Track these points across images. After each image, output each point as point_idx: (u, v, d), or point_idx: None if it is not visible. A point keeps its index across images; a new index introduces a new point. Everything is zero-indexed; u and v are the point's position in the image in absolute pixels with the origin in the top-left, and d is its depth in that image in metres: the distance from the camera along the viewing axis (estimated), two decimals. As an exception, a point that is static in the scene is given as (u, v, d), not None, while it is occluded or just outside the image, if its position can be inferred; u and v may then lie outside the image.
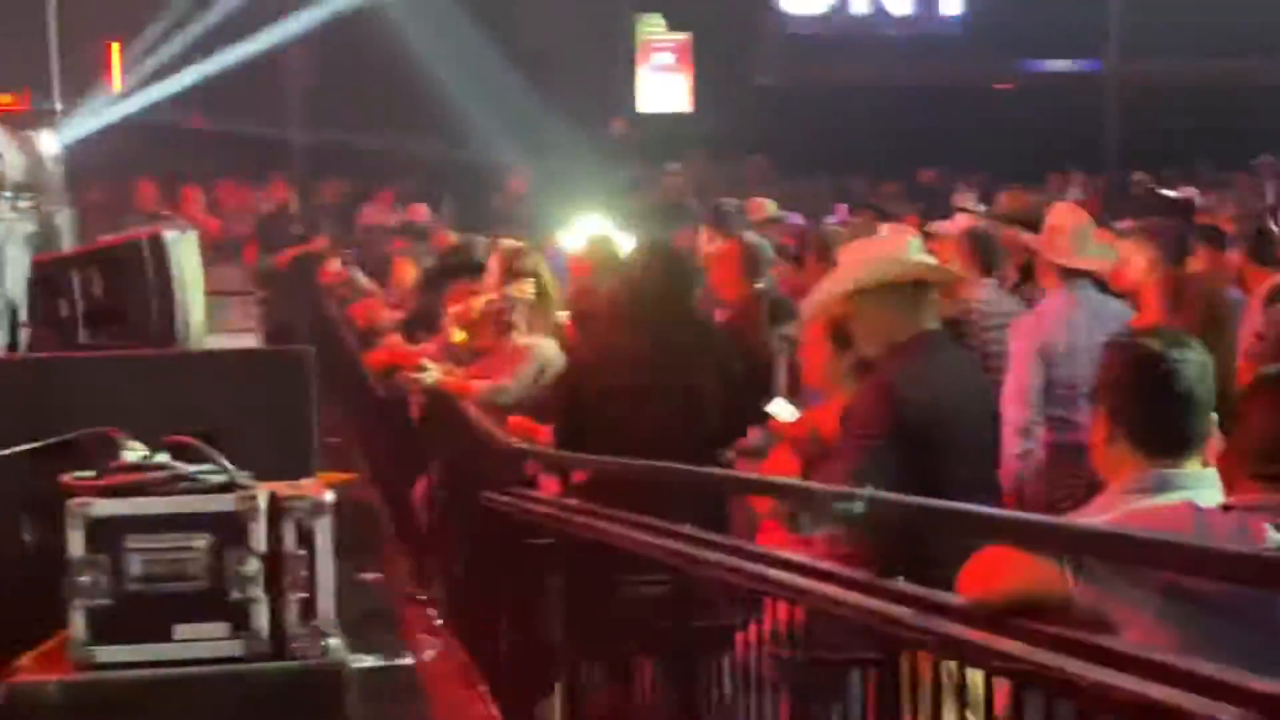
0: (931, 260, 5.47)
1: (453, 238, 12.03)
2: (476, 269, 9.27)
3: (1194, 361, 3.66)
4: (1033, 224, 8.27)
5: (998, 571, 3.39)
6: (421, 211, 16.46)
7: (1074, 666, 2.95)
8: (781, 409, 5.77)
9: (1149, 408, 3.63)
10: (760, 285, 8.03)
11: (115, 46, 19.24)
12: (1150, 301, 5.27)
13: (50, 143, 9.83)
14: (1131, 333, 3.96)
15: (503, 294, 8.42)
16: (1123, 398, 3.69)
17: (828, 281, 5.46)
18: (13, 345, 6.25)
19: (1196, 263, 7.96)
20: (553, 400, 7.05)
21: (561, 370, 7.48)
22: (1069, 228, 7.05)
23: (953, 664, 3.39)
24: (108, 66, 19.21)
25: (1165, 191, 14.60)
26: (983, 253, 7.83)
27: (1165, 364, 3.63)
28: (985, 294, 7.75)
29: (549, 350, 7.97)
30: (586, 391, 6.52)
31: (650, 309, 6.56)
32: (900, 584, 3.64)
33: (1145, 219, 8.78)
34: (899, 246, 5.38)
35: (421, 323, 10.50)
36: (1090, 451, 3.82)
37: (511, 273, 8.62)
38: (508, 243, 9.52)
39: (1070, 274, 6.91)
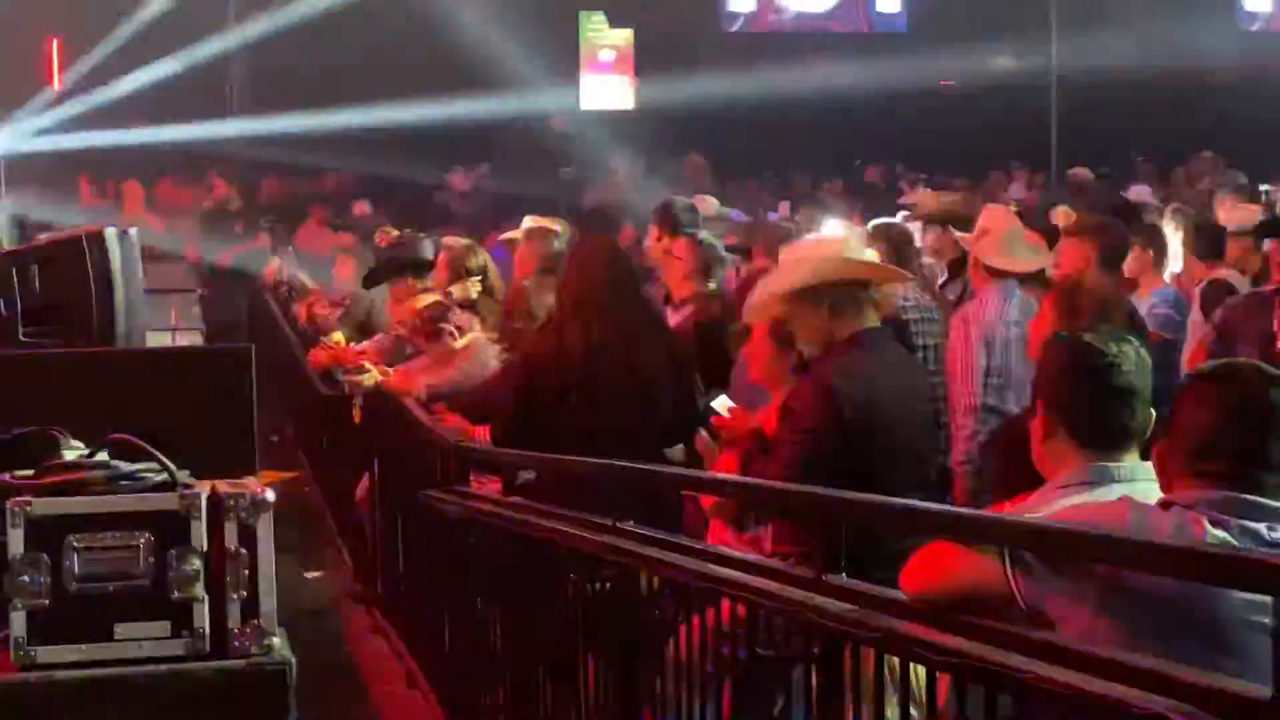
0: (871, 258, 5.50)
1: (393, 234, 11.99)
2: (421, 266, 9.24)
3: (1131, 356, 3.75)
4: (960, 221, 8.38)
5: (939, 567, 3.42)
6: (363, 209, 16.42)
7: (1015, 660, 2.98)
8: (723, 405, 5.79)
9: (1088, 401, 3.72)
10: (713, 285, 8.05)
11: (55, 43, 19.13)
12: (1045, 309, 5.42)
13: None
14: (1070, 331, 4.01)
15: (446, 293, 8.41)
16: (1062, 392, 3.77)
17: (766, 283, 5.49)
18: (-49, 344, 6.21)
19: (1132, 263, 8.07)
20: (499, 397, 7.02)
21: (508, 366, 7.47)
22: (999, 231, 7.18)
23: (895, 659, 3.41)
24: (48, 64, 19.10)
25: (1124, 194, 14.70)
26: (895, 250, 7.90)
27: (1104, 358, 3.72)
28: (904, 290, 7.82)
29: (489, 349, 7.97)
30: (538, 387, 6.49)
31: (600, 301, 6.54)
32: (842, 580, 3.66)
33: (1090, 216, 8.87)
34: (837, 246, 5.41)
35: (362, 321, 10.48)
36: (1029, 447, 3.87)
37: (458, 271, 8.61)
38: (454, 241, 9.51)
39: (999, 274, 7.05)
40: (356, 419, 8.56)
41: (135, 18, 18.34)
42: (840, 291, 5.17)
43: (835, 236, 5.88)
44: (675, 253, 8.32)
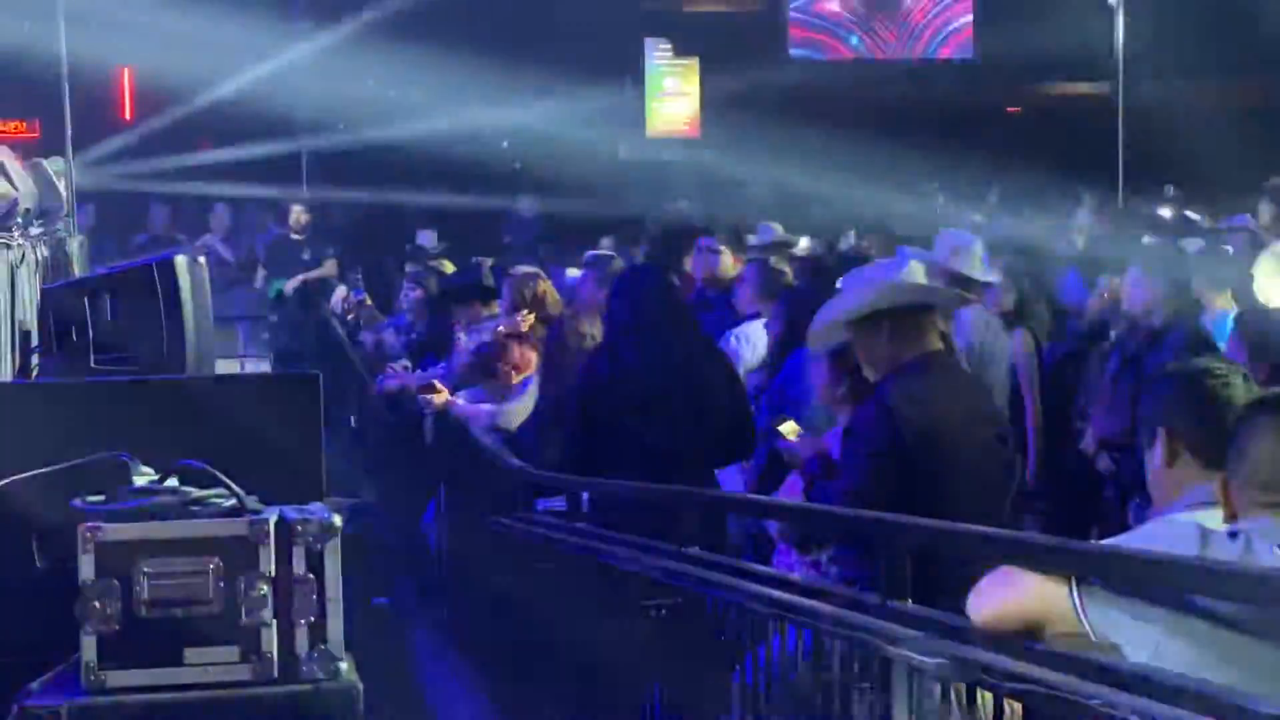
0: (933, 285, 5.48)
1: (449, 268, 12.05)
2: (487, 293, 9.30)
3: (1239, 376, 3.85)
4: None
5: (1005, 591, 3.40)
6: (430, 238, 16.49)
7: (1082, 686, 2.96)
8: (790, 428, 5.78)
9: (1213, 422, 3.74)
10: None
11: (127, 74, 19.33)
12: None
13: (62, 170, 9.89)
14: (1195, 363, 4.10)
15: (512, 321, 8.45)
16: (1188, 417, 3.80)
17: (828, 308, 5.49)
18: (25, 371, 6.29)
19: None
20: (561, 422, 7.05)
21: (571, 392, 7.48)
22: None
23: (961, 685, 3.40)
24: (120, 94, 19.29)
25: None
26: None
27: (1219, 379, 3.80)
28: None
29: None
30: (593, 412, 6.51)
31: (654, 323, 6.57)
32: (908, 605, 3.65)
33: None
34: (899, 271, 5.39)
35: (430, 346, 10.52)
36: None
37: (521, 300, 8.65)
38: (520, 269, 9.56)
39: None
40: (429, 438, 8.60)
41: (202, 44, 18.48)
42: (901, 315, 5.16)
43: (896, 261, 5.86)
44: (746, 275, 8.36)
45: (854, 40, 24.22)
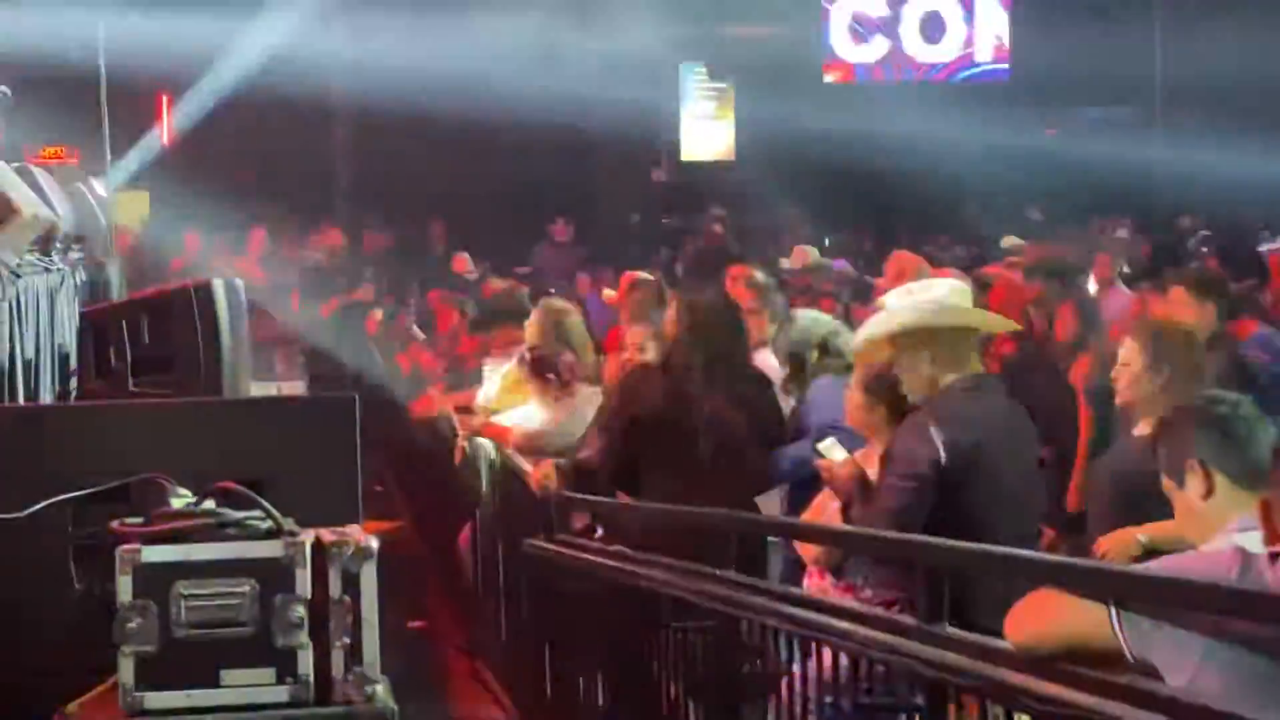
0: (976, 308, 5.46)
1: (498, 285, 12.08)
2: (522, 316, 9.32)
3: (1249, 402, 3.92)
4: (1061, 273, 8.41)
5: (1044, 615, 3.39)
6: (464, 262, 16.52)
7: (1121, 711, 2.95)
8: (832, 448, 5.77)
9: (1247, 447, 3.79)
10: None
11: (165, 99, 19.42)
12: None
13: (100, 195, 9.94)
14: (1206, 396, 4.12)
15: (540, 346, 8.46)
16: (1217, 445, 3.82)
17: (872, 325, 5.47)
18: (64, 393, 6.33)
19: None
20: (605, 447, 7.04)
21: (616, 419, 7.46)
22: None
23: (999, 708, 3.38)
24: (159, 118, 19.39)
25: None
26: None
27: (1243, 409, 3.86)
28: None
29: (586, 398, 8.01)
30: (651, 435, 6.50)
31: (719, 353, 6.60)
32: (946, 628, 3.64)
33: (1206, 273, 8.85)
34: (945, 292, 5.38)
35: (464, 369, 10.54)
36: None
37: (549, 324, 8.66)
38: (550, 301, 9.56)
39: None
40: (457, 459, 8.61)
41: (236, 70, 18.57)
42: (944, 337, 5.15)
43: (940, 282, 5.83)
44: None
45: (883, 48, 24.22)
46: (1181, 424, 3.99)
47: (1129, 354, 5.55)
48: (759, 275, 7.98)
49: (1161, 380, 5.37)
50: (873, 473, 5.23)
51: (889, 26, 24.36)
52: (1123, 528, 5.04)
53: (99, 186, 10.09)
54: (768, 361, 7.30)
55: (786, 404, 6.87)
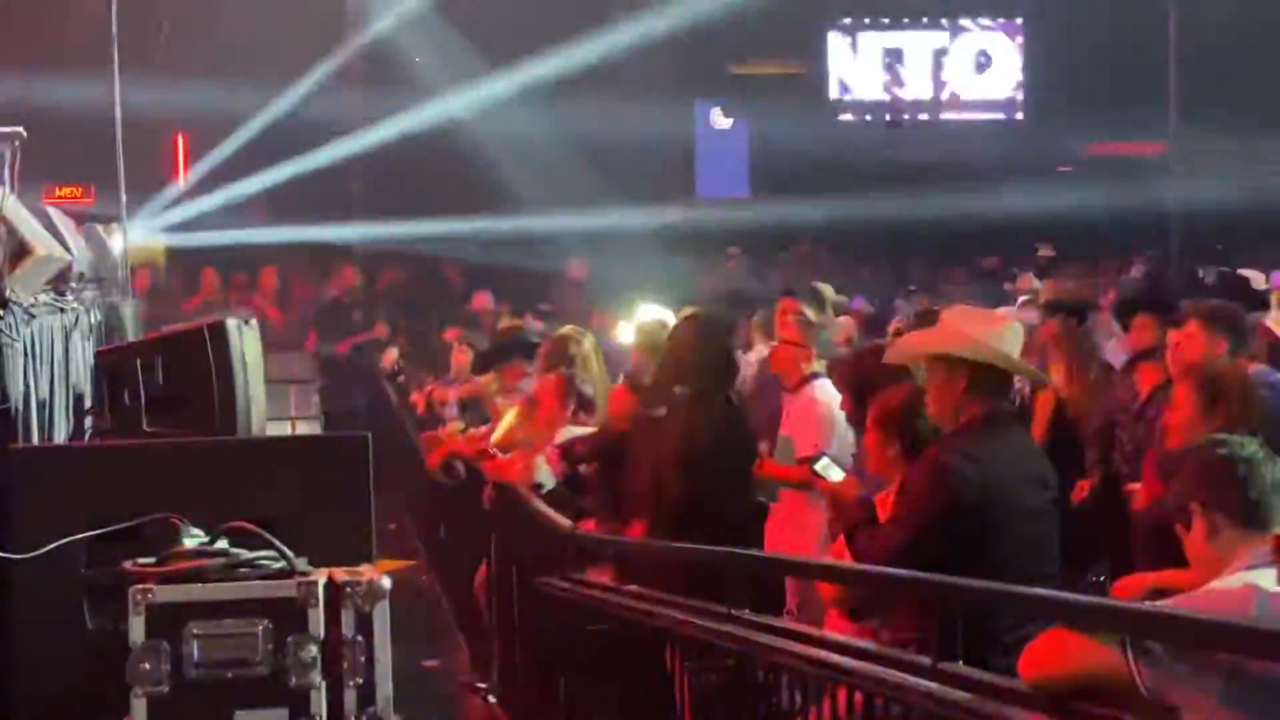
0: (1016, 356, 5.40)
1: (507, 322, 12.12)
2: (530, 350, 9.34)
3: (1258, 442, 3.87)
4: (1080, 309, 8.36)
5: (1058, 653, 3.38)
6: (486, 299, 16.53)
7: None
8: (829, 468, 5.74)
9: (1250, 489, 3.75)
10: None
11: (181, 140, 19.52)
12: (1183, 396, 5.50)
13: (115, 235, 9.98)
14: (1207, 438, 4.11)
15: (543, 380, 8.50)
16: (1222, 489, 3.79)
17: (924, 335, 5.46)
18: (78, 433, 6.33)
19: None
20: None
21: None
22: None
23: (1013, 748, 3.37)
24: (174, 159, 19.49)
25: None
26: None
27: (1250, 451, 3.83)
28: None
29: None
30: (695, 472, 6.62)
31: (723, 386, 6.69)
32: (959, 667, 3.62)
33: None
34: (998, 329, 5.32)
35: (476, 405, 10.55)
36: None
37: (558, 358, 8.67)
38: (565, 330, 9.57)
39: None
40: (487, 504, 8.60)
41: (258, 119, 18.69)
42: (982, 372, 5.11)
43: (1002, 317, 5.79)
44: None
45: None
46: (1184, 467, 3.98)
47: (1183, 398, 5.54)
48: (809, 313, 8.02)
49: (1216, 424, 5.36)
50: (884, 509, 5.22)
51: (902, 66, 24.45)
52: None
53: (114, 226, 10.13)
54: (828, 391, 7.39)
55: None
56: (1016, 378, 5.84)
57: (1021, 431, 5.50)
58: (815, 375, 7.64)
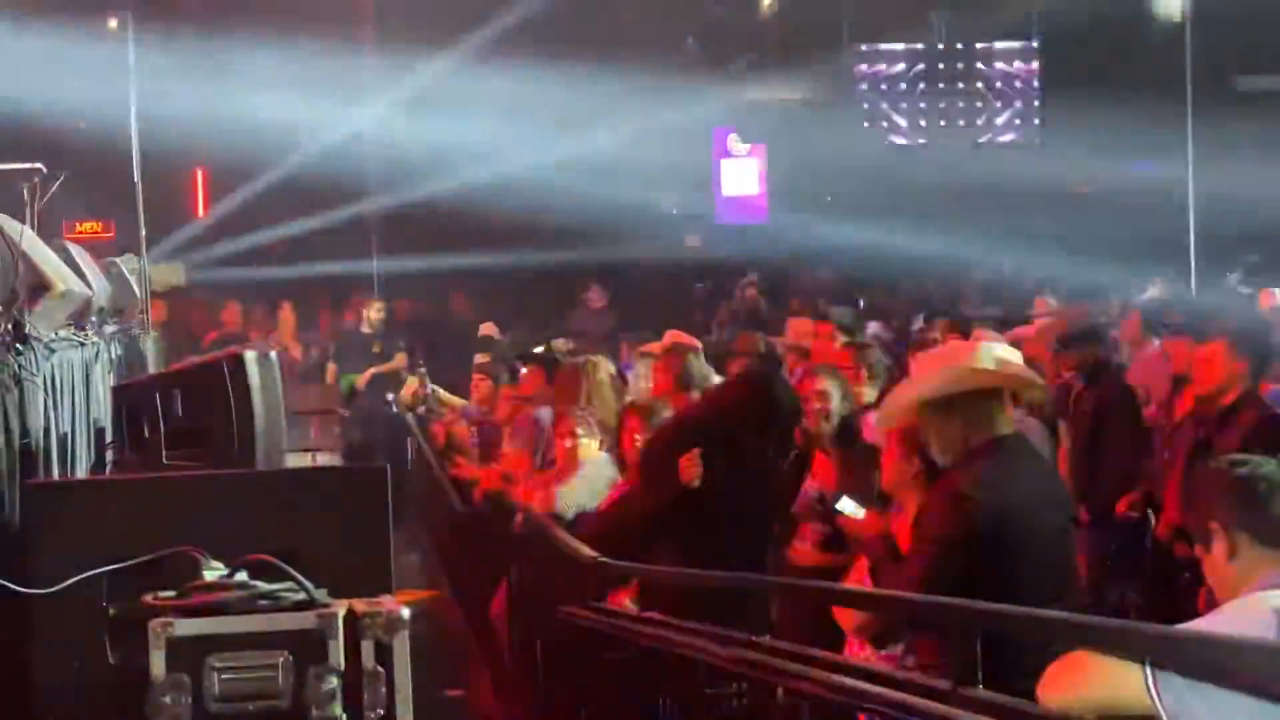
0: (1006, 366, 5.42)
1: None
2: (552, 363, 9.41)
3: (1272, 459, 3.83)
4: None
5: (1077, 677, 3.37)
6: (491, 328, 16.55)
7: (1156, 773, 2.93)
8: (850, 507, 5.74)
9: (1272, 508, 3.74)
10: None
11: (201, 174, 19.62)
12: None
13: (136, 269, 10.02)
14: (1220, 459, 4.10)
15: (563, 409, 8.52)
16: (1243, 508, 3.78)
17: (897, 393, 5.47)
18: (98, 466, 6.36)
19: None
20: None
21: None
22: None
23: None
24: (194, 194, 19.58)
25: None
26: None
27: (1269, 469, 3.80)
28: None
29: (597, 463, 8.08)
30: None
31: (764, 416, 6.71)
32: (979, 691, 3.62)
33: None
34: (969, 355, 5.35)
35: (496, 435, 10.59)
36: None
37: (574, 386, 8.70)
38: (578, 360, 9.60)
39: None
40: (518, 529, 8.63)
41: (281, 165, 18.82)
42: (972, 400, 5.13)
43: (968, 345, 5.82)
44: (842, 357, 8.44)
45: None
46: (1203, 488, 3.97)
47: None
48: (860, 337, 8.04)
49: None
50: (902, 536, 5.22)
51: (920, 91, 24.52)
52: None
53: (134, 260, 10.18)
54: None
55: None
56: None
57: (1032, 453, 5.49)
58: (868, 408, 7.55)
